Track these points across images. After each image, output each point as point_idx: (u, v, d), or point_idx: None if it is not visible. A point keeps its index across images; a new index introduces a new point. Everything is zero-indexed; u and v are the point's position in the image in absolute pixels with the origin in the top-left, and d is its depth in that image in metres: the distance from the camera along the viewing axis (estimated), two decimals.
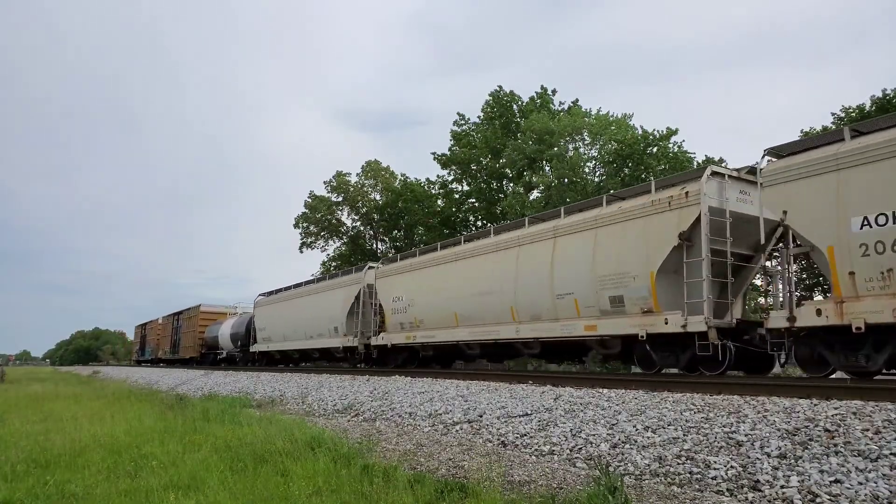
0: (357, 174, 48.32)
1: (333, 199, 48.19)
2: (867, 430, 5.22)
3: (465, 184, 41.67)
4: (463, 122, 41.53)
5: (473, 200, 41.11)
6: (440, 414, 9.13)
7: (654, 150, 32.24)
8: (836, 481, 4.43)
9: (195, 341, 38.20)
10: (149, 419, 10.04)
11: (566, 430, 6.93)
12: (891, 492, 4.16)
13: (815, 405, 6.17)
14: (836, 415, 5.71)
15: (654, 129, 33.05)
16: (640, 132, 33.26)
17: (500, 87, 40.22)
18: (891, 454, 4.69)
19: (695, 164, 30.91)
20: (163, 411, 11.52)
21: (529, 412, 8.05)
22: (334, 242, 49.04)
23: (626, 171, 32.82)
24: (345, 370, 20.29)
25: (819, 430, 5.38)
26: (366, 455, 6.44)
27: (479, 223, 41.87)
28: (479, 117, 40.76)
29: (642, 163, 32.18)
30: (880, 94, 25.95)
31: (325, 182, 48.41)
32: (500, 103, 39.86)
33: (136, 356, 59.60)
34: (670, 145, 32.20)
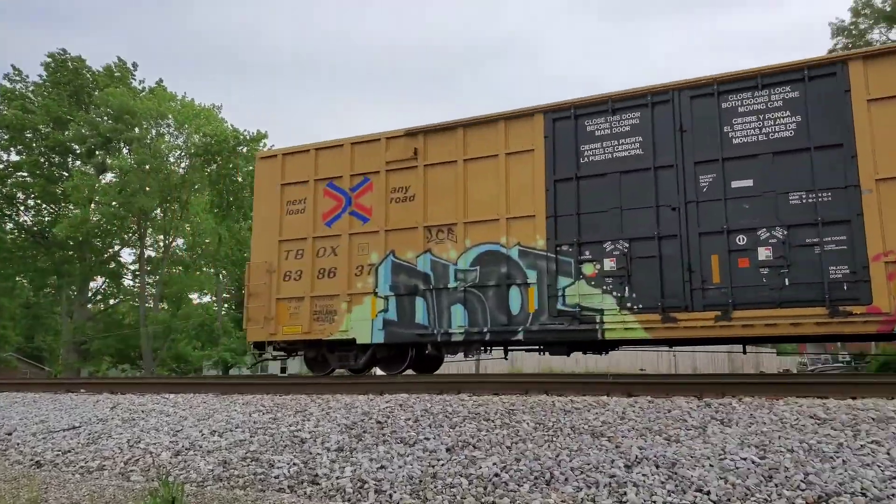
0: None
1: None
2: (409, 419, 6.02)
3: (14, 153, 34.49)
4: (18, 77, 34.46)
5: (25, 175, 34.34)
6: None
7: (245, 150, 32.41)
8: (382, 467, 4.96)
9: None
10: None
11: (122, 441, 6.23)
12: (422, 471, 4.85)
13: (371, 400, 6.87)
14: (387, 408, 6.45)
15: (245, 130, 33.50)
16: (231, 129, 33.17)
17: (65, 49, 34.86)
18: (424, 438, 5.48)
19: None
20: None
21: (77, 425, 7.00)
22: None
23: (214, 167, 32.09)
24: None
25: (372, 423, 5.99)
26: None
27: (32, 202, 35.32)
28: (41, 77, 34.41)
29: (230, 161, 31.98)
30: None
31: None
32: (66, 68, 34.45)
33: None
34: (259, 147, 32.66)
